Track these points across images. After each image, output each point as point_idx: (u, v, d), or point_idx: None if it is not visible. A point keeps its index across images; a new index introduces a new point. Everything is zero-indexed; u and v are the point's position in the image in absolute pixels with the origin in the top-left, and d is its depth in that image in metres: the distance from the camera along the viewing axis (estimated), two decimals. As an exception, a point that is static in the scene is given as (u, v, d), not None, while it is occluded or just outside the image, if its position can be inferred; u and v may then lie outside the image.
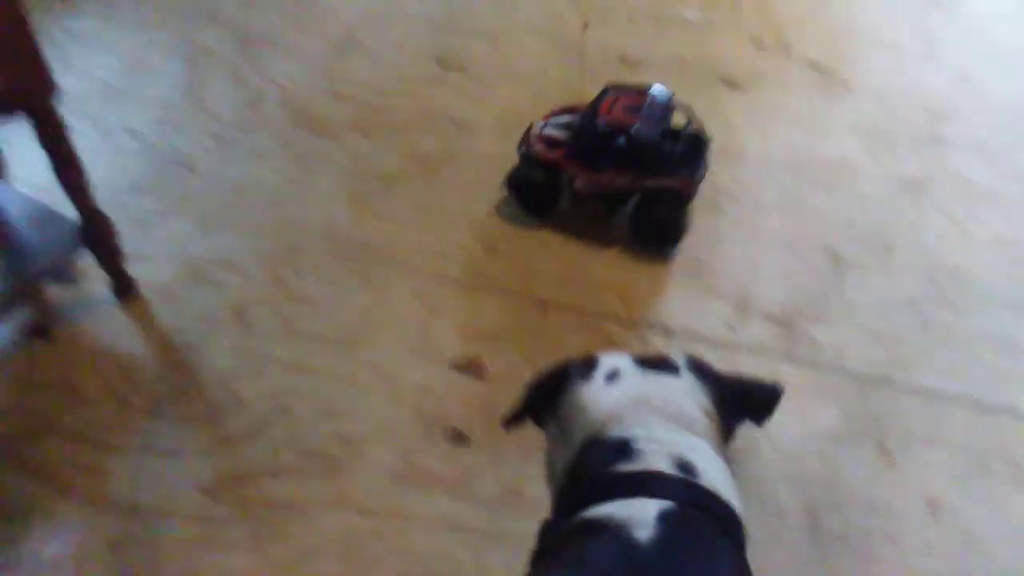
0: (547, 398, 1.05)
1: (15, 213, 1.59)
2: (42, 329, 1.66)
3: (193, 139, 2.00)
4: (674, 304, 1.75)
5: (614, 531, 0.87)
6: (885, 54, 2.26)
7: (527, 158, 1.82)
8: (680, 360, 1.04)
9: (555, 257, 1.81)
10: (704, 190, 1.92)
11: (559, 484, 1.00)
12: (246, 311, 1.71)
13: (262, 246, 1.82)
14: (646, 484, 0.90)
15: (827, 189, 1.95)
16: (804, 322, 1.72)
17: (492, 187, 1.93)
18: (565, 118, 1.84)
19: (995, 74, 2.23)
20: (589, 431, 0.97)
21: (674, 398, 0.99)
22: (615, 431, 0.95)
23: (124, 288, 1.69)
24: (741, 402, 1.05)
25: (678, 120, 1.78)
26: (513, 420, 1.09)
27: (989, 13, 2.43)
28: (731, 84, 2.16)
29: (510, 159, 1.99)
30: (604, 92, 1.80)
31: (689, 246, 1.84)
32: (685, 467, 0.92)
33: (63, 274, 1.66)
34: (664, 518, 0.86)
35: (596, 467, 0.94)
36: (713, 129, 2.04)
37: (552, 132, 1.82)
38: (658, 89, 1.77)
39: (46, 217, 1.59)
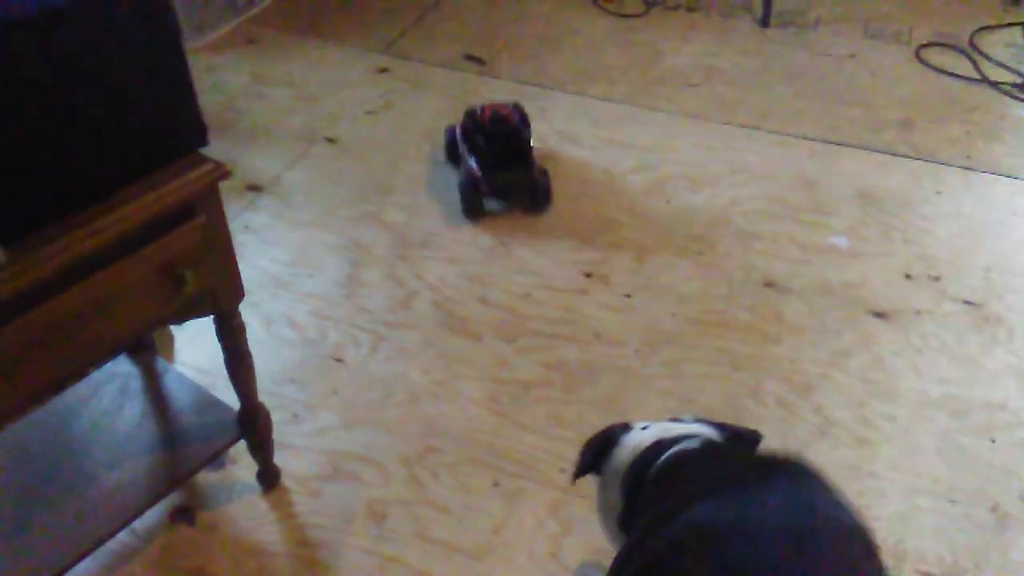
0: (602, 451, 1.38)
1: (180, 399, 1.69)
2: (187, 511, 1.71)
3: (346, 333, 2.09)
4: (820, 546, 1.65)
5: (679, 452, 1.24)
6: (1044, 294, 2.19)
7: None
8: (689, 417, 1.41)
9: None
10: (854, 424, 1.87)
11: (619, 505, 1.30)
12: (381, 510, 1.72)
13: (402, 444, 1.84)
14: (687, 437, 1.27)
15: (988, 436, 1.85)
16: (966, 583, 1.59)
17: (632, 402, 1.92)
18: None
19: None
20: (635, 455, 1.30)
21: (694, 428, 1.34)
22: (651, 443, 1.30)
23: (269, 478, 1.73)
24: (737, 440, 1.36)
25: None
26: (579, 473, 1.41)
27: None
28: (880, 315, 2.13)
29: (653, 379, 1.99)
30: (511, 104, 2.52)
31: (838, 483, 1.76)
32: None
33: (212, 460, 1.71)
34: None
35: (643, 460, 1.27)
36: (862, 361, 2.01)
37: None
38: (521, 125, 2.46)
39: (208, 405, 1.67)
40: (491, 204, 2.45)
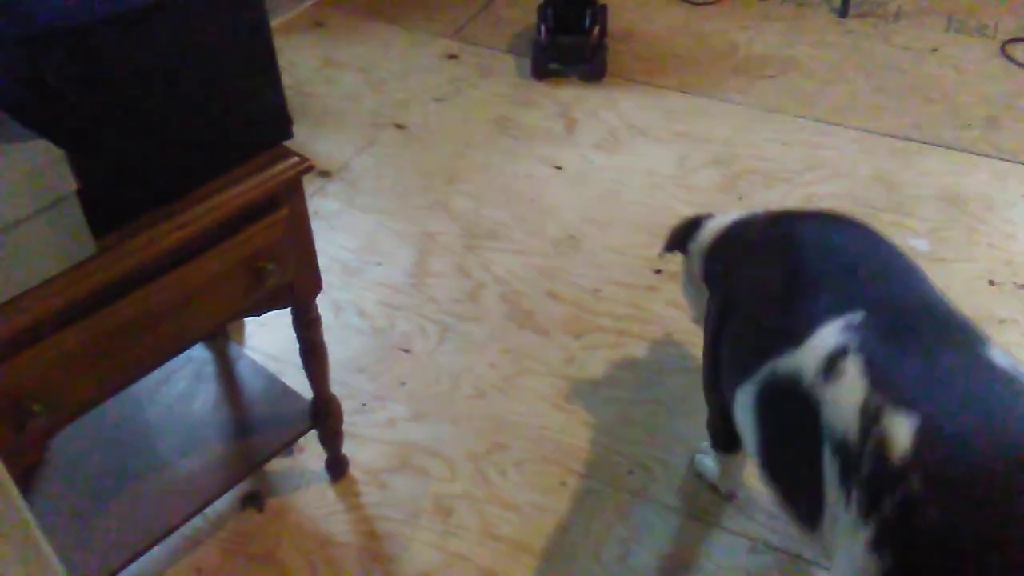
0: (688, 233, 1.65)
1: (253, 387, 1.69)
2: (257, 497, 1.72)
3: (414, 324, 2.08)
4: None
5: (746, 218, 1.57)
6: None
7: None
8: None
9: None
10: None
11: (700, 272, 1.60)
12: (448, 505, 1.71)
13: (469, 440, 1.83)
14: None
15: (1077, 454, 1.78)
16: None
17: (703, 405, 1.88)
18: None
19: None
20: (716, 231, 1.58)
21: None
22: (730, 222, 1.58)
23: (338, 467, 1.73)
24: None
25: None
26: (667, 249, 1.72)
27: None
28: (962, 323, 2.05)
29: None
30: None
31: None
32: None
33: (285, 449, 1.72)
34: None
35: (724, 234, 1.57)
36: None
37: None
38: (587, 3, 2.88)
39: (281, 393, 1.67)
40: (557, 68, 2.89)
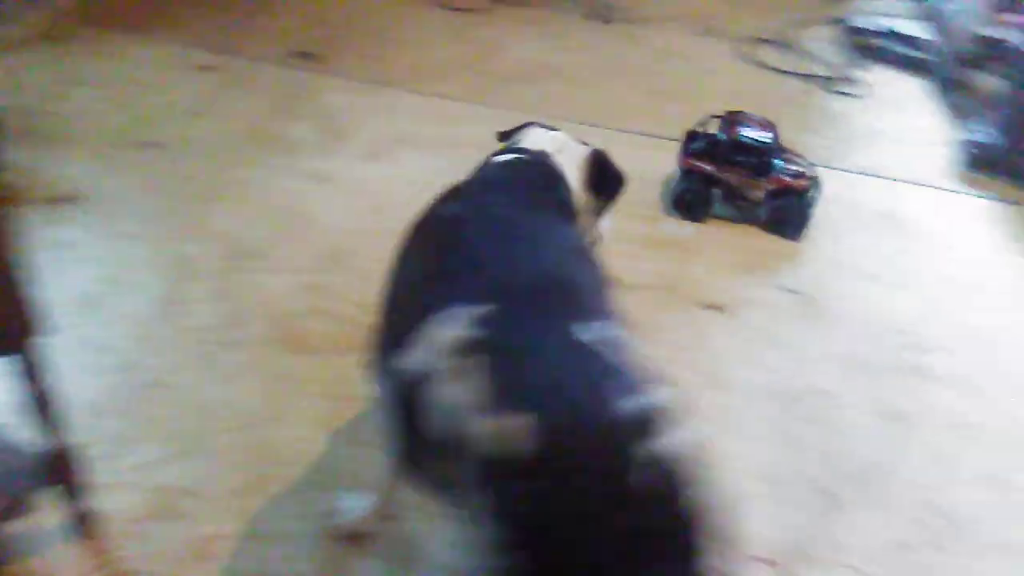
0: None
1: (-26, 442, 1.52)
2: (-9, 565, 1.55)
3: (168, 357, 1.96)
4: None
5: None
6: (864, 285, 2.31)
7: None
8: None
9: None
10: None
11: None
12: (212, 550, 1.61)
13: (234, 475, 1.74)
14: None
15: (811, 420, 1.93)
16: (795, 565, 1.65)
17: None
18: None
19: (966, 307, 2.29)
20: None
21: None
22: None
23: (85, 522, 1.59)
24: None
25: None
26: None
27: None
28: (715, 308, 2.19)
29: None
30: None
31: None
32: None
33: (17, 508, 1.56)
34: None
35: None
36: (697, 354, 2.06)
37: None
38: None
39: (8, 448, 1.52)
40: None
